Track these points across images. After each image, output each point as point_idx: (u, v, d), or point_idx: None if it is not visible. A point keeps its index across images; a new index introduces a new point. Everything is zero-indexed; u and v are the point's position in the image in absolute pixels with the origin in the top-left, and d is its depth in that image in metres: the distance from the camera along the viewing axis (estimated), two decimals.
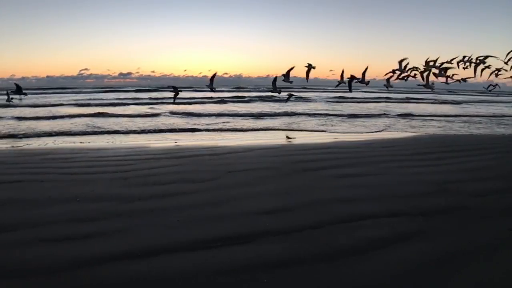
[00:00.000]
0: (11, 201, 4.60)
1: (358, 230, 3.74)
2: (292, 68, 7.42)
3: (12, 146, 9.66)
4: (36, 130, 12.53)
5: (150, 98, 29.79)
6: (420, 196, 4.85)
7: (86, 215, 4.14)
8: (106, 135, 11.89)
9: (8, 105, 20.49)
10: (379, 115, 18.80)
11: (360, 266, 3.03)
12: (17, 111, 19.32)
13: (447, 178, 5.73)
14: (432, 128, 14.11)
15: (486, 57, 6.89)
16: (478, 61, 6.96)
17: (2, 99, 23.22)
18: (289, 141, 10.15)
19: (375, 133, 12.29)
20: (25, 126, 13.92)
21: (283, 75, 7.36)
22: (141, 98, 30.19)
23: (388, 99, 34.37)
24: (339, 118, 17.39)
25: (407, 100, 33.81)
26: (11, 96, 13.30)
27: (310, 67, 7.43)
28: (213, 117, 17.12)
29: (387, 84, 7.59)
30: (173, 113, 18.57)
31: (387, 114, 19.37)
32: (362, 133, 12.48)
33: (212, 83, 8.16)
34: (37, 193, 4.94)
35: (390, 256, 3.20)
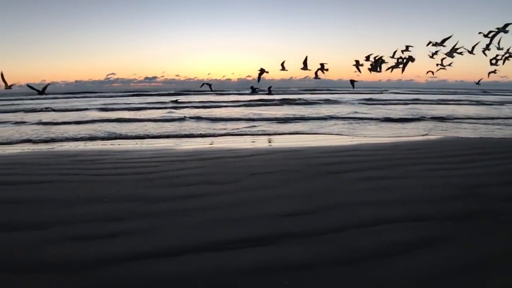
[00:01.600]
0: (42, 200, 4.79)
1: (382, 234, 3.66)
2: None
3: (43, 148, 10.03)
4: (65, 134, 13.01)
5: (175, 102, 30.21)
6: (446, 200, 4.69)
7: (112, 215, 4.25)
8: (131, 140, 12.15)
9: (35, 109, 21.52)
10: (409, 119, 17.70)
11: (383, 271, 2.96)
12: (48, 116, 20.13)
13: (475, 181, 5.52)
14: (462, 130, 13.56)
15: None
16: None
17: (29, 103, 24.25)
18: (313, 144, 10.06)
19: (401, 136, 11.97)
20: (55, 129, 14.50)
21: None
22: (166, 102, 30.66)
23: (417, 101, 33.19)
24: (366, 122, 16.81)
25: (439, 102, 32.37)
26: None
27: (262, 71, 7.65)
28: (238, 122, 16.93)
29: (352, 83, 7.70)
30: (197, 117, 18.61)
31: (417, 116, 18.56)
32: (388, 136, 12.19)
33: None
34: (66, 193, 5.11)
35: (415, 261, 3.11)
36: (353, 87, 7.83)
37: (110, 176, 6.09)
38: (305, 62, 7.21)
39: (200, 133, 12.98)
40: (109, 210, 4.40)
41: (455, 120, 17.19)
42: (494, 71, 7.07)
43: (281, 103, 29.90)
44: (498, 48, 6.79)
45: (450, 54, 7.01)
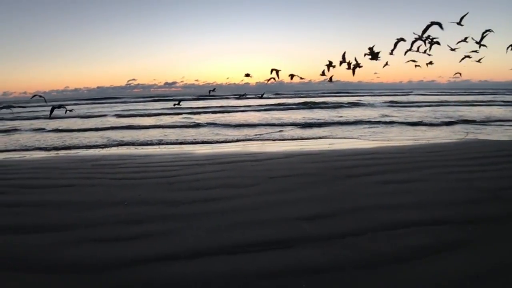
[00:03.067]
0: (66, 203, 4.92)
1: (401, 237, 3.59)
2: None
3: (67, 153, 10.31)
4: (86, 140, 13.34)
5: (192, 108, 30.28)
6: (468, 203, 4.55)
7: (133, 217, 4.33)
8: (150, 146, 12.33)
9: (56, 116, 22.25)
10: (441, 122, 16.44)
11: (402, 275, 2.91)
12: (71, 122, 20.70)
13: (499, 185, 5.33)
14: (493, 132, 13.09)
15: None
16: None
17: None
18: (332, 148, 9.97)
19: (423, 139, 11.69)
20: (77, 135, 14.91)
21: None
22: (183, 108, 30.64)
23: (445, 103, 31.59)
24: (396, 126, 15.90)
25: (466, 103, 30.64)
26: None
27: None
28: (257, 128, 16.29)
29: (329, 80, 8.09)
30: (215, 124, 18.28)
31: (448, 119, 17.40)
32: (413, 139, 11.93)
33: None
34: (88, 197, 5.23)
35: (434, 266, 3.04)
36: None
37: (131, 180, 6.19)
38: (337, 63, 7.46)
39: (218, 139, 12.95)
40: (130, 213, 4.48)
41: (485, 122, 16.34)
42: (479, 60, 7.15)
43: (303, 107, 29.34)
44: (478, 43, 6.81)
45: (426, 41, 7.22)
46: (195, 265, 3.12)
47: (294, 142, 11.71)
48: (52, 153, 10.51)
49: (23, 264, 3.24)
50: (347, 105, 30.86)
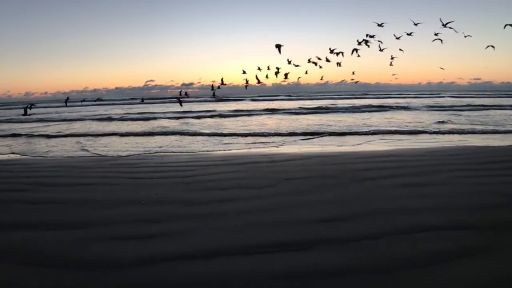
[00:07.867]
0: (85, 202, 5.01)
1: (420, 242, 3.50)
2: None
3: (85, 153, 10.51)
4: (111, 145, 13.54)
5: (207, 111, 29.33)
6: (490, 208, 4.39)
7: (150, 216, 4.37)
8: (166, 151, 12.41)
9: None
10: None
11: (419, 280, 2.83)
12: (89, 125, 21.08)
13: None
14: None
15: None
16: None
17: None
18: (350, 150, 9.84)
19: (440, 142, 11.35)
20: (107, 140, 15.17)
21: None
22: (201, 111, 29.98)
23: (493, 107, 27.08)
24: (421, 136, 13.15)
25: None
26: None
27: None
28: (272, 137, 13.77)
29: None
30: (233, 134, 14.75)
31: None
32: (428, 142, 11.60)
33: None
34: (107, 195, 5.32)
35: (453, 272, 2.94)
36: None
37: (148, 180, 6.27)
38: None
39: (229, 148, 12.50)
40: (147, 212, 4.53)
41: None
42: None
43: (328, 111, 26.35)
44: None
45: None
46: (211, 265, 3.12)
47: (311, 144, 11.61)
48: (72, 153, 10.71)
49: (42, 259, 3.30)
50: (395, 108, 28.02)
